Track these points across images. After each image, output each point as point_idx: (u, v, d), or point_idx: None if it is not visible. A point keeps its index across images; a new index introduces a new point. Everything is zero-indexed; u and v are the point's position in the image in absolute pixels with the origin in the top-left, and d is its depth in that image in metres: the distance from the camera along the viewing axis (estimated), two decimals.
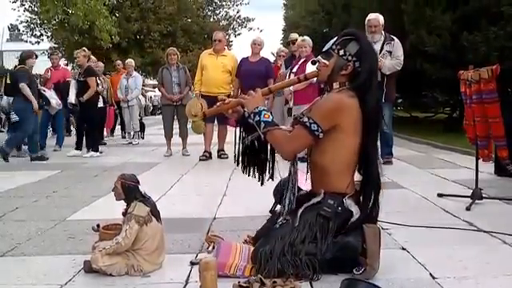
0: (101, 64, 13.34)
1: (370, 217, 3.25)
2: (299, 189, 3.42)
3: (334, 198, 3.19)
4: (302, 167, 3.47)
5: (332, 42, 3.36)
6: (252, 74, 8.74)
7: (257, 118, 3.29)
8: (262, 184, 3.53)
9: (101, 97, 10.93)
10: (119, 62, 14.78)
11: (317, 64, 3.42)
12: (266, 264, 3.00)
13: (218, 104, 3.57)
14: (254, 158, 3.47)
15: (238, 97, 9.05)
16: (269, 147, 3.42)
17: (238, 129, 3.49)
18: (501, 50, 10.55)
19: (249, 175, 3.52)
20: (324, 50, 3.42)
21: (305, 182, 3.50)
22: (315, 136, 3.18)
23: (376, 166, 3.28)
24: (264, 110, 3.33)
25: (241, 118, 3.46)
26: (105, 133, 13.85)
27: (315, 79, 3.66)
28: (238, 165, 3.52)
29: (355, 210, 3.19)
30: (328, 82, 3.36)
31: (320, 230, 3.09)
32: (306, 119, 3.21)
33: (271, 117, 3.32)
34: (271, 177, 3.48)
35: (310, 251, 3.04)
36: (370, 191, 3.26)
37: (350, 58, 3.25)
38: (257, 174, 3.50)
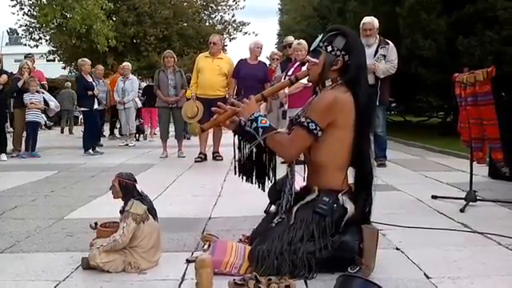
0: (101, 67, 13.55)
1: (364, 212, 3.28)
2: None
3: (329, 194, 3.22)
4: (298, 169, 3.50)
5: (318, 39, 3.35)
6: (252, 77, 8.80)
7: (254, 125, 3.29)
8: (263, 190, 3.54)
9: (96, 99, 10.97)
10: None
11: (307, 64, 3.44)
12: (263, 262, 3.02)
13: (214, 117, 3.55)
14: (255, 166, 3.45)
15: (236, 98, 9.11)
16: (268, 152, 3.39)
17: (235, 139, 3.47)
18: (496, 54, 10.58)
19: (252, 183, 3.51)
20: (311, 48, 3.42)
21: (301, 183, 3.51)
22: (314, 135, 3.19)
23: (369, 159, 3.32)
24: (260, 115, 3.33)
25: (237, 127, 3.43)
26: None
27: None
28: (239, 176, 3.49)
29: (350, 207, 3.21)
30: (320, 80, 3.36)
31: (317, 227, 3.11)
32: (303, 119, 3.23)
33: (268, 122, 3.33)
34: (273, 180, 3.48)
35: (309, 249, 3.05)
36: (364, 185, 3.30)
37: (338, 52, 3.25)
38: (257, 182, 3.48)
